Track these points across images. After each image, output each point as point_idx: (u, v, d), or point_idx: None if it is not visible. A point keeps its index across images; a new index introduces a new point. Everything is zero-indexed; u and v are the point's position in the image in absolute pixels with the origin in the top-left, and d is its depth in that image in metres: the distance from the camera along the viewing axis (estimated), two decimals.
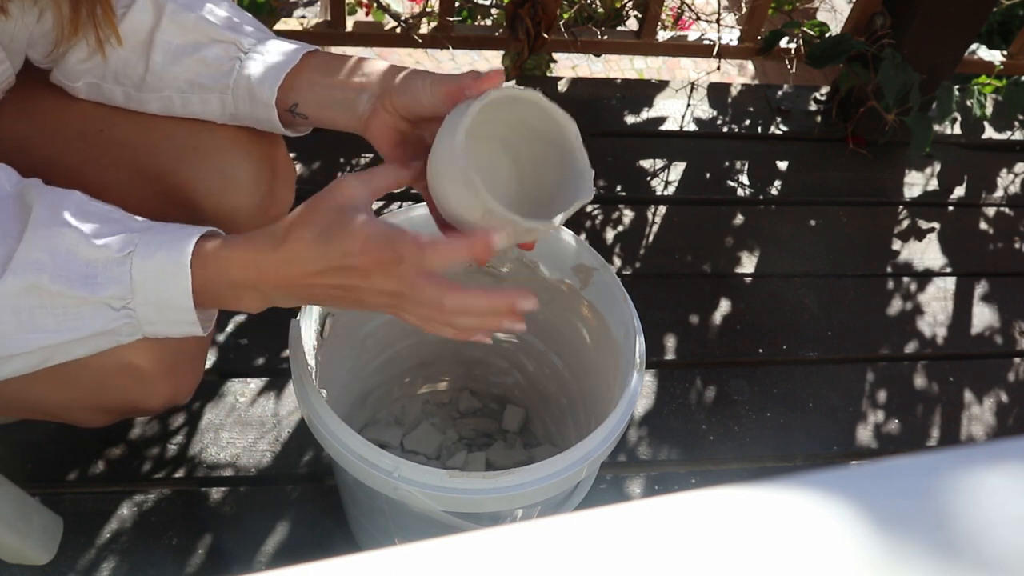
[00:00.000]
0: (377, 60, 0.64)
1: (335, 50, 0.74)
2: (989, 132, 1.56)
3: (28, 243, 0.51)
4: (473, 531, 0.21)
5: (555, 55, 1.67)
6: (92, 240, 0.52)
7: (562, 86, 1.49)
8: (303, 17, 1.39)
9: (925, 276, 1.33)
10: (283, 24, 1.34)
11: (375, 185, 0.55)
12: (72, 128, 0.68)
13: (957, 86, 1.37)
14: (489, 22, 1.54)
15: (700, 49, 1.47)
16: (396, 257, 0.51)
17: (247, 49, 0.64)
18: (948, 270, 1.34)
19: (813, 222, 1.37)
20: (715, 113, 1.49)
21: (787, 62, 1.45)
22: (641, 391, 1.11)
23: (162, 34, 0.63)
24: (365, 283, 0.53)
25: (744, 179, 1.40)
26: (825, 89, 1.55)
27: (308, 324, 0.72)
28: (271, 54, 0.64)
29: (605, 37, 1.42)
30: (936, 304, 1.30)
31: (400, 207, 0.93)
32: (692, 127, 1.46)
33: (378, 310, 0.56)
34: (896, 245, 1.36)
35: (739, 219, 1.35)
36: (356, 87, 0.62)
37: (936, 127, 1.40)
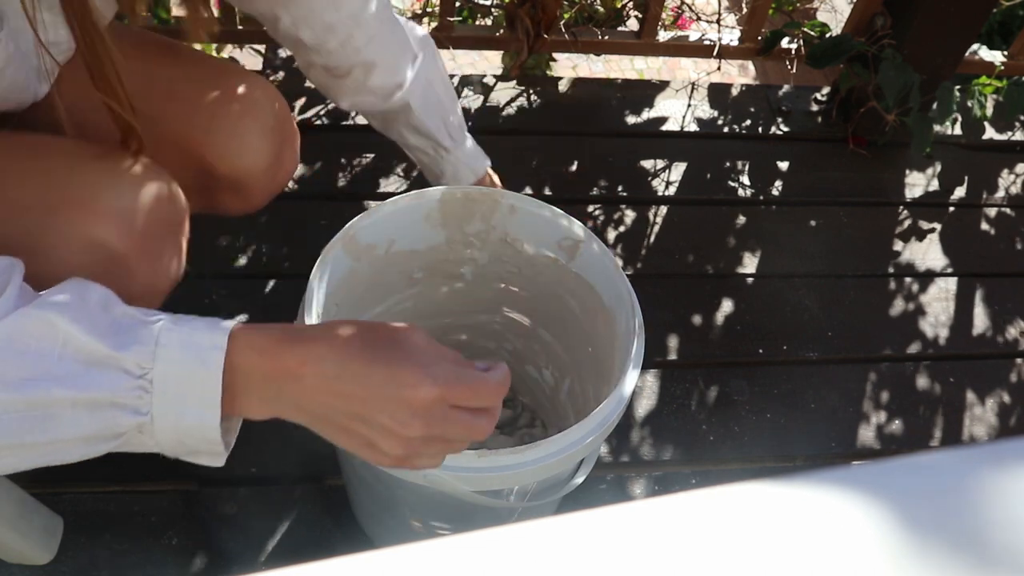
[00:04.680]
0: None
1: None
2: (990, 132, 1.56)
3: (55, 289, 0.48)
4: (473, 531, 0.21)
5: (555, 55, 1.67)
6: (120, 302, 0.49)
7: (562, 86, 1.49)
8: None
9: (926, 276, 1.33)
10: None
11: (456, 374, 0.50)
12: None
13: (957, 86, 1.37)
14: (489, 22, 1.54)
15: (700, 49, 1.46)
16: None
17: (448, 150, 0.91)
18: (949, 270, 1.34)
19: (813, 222, 1.37)
20: (716, 113, 1.49)
21: (788, 62, 1.45)
22: (642, 391, 1.11)
23: (397, 124, 0.87)
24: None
25: (745, 179, 1.40)
26: (826, 89, 1.55)
27: (309, 318, 0.73)
28: (464, 169, 0.91)
29: (605, 37, 1.42)
30: (937, 304, 1.29)
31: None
32: (693, 127, 1.46)
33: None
34: (897, 245, 1.36)
35: (740, 219, 1.35)
36: None
37: (936, 127, 1.40)
